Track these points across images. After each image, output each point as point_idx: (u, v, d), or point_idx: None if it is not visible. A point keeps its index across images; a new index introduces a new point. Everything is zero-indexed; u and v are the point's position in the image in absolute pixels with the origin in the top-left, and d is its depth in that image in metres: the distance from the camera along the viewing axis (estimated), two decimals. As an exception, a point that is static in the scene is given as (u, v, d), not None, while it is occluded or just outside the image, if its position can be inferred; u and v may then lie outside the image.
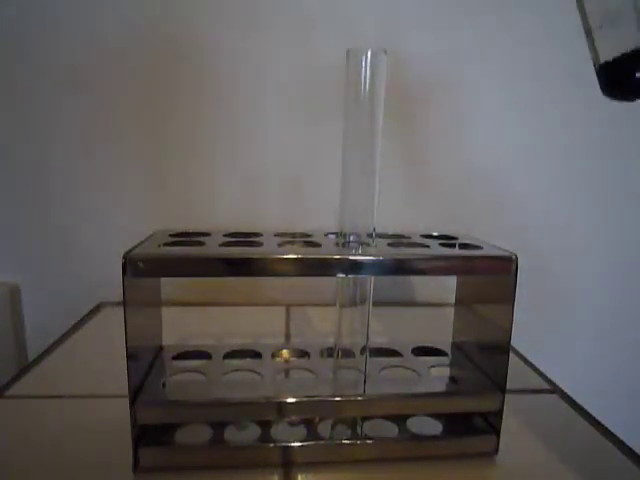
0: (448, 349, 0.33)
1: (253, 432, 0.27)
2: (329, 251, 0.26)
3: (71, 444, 0.27)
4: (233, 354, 0.32)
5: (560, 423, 0.32)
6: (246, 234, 0.30)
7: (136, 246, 0.25)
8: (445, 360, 0.32)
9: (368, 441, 0.27)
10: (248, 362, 0.31)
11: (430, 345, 0.34)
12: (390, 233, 0.31)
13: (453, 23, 0.51)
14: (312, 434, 0.27)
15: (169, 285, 0.38)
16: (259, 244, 0.27)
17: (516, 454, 0.28)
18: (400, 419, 0.28)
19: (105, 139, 0.50)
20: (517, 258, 0.26)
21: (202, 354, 0.31)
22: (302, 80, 0.50)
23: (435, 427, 0.28)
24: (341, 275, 0.27)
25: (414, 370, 0.30)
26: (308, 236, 0.30)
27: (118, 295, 0.24)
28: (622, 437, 0.30)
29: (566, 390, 0.35)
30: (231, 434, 0.27)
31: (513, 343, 0.27)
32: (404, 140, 0.53)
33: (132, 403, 0.24)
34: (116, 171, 0.50)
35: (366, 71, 0.25)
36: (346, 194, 0.27)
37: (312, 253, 0.26)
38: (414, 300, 0.55)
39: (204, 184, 0.51)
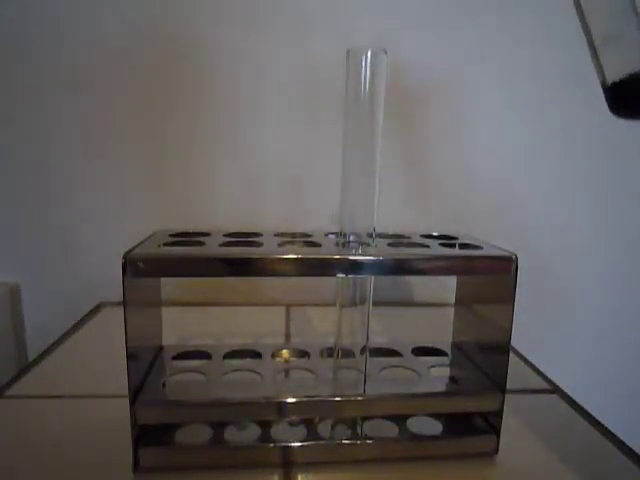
0: (448, 349, 0.33)
1: (253, 432, 0.27)
2: (329, 251, 0.26)
3: (71, 444, 0.27)
4: (233, 354, 0.32)
5: (560, 423, 0.32)
6: (246, 234, 0.30)
7: (136, 246, 0.25)
8: (445, 360, 0.32)
9: (368, 441, 0.27)
10: (248, 362, 0.31)
11: (430, 345, 0.34)
12: (390, 233, 0.31)
13: (453, 23, 0.51)
14: (312, 434, 0.27)
15: (169, 285, 0.38)
16: (259, 244, 0.27)
17: (516, 454, 0.28)
18: (400, 419, 0.28)
19: (105, 139, 0.50)
20: (517, 258, 0.26)
21: (202, 354, 0.31)
22: (302, 80, 0.50)
23: (435, 427, 0.28)
24: (341, 275, 0.27)
25: (414, 370, 0.30)
26: (308, 236, 0.30)
27: (118, 295, 0.24)
28: (622, 437, 0.30)
29: (566, 390, 0.35)
30: (231, 434, 0.27)
31: (513, 343, 0.27)
32: (404, 140, 0.53)
33: (132, 403, 0.24)
34: (116, 171, 0.50)
35: (366, 71, 0.25)
36: (346, 194, 0.27)
37: (312, 253, 0.26)
38: (414, 300, 0.55)
39: (204, 184, 0.51)
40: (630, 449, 0.29)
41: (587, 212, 0.56)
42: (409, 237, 0.31)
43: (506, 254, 0.26)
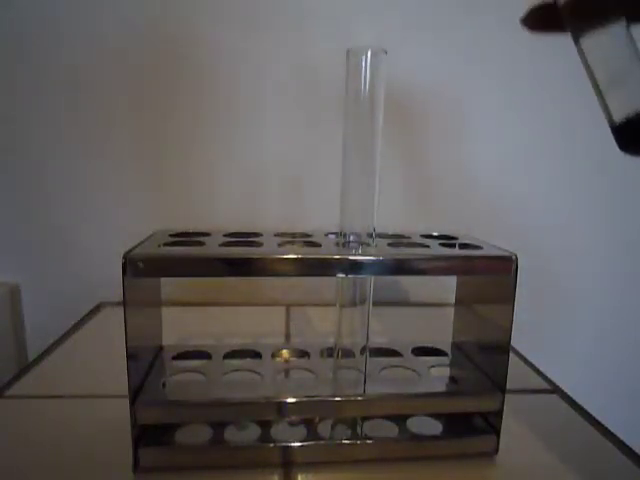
0: (448, 349, 0.33)
1: (253, 432, 0.27)
2: (329, 251, 0.26)
3: (71, 444, 0.27)
4: (233, 354, 0.32)
5: (560, 423, 0.32)
6: (246, 234, 0.30)
7: (136, 246, 0.25)
8: (445, 360, 0.32)
9: (368, 441, 0.27)
10: (248, 362, 0.31)
11: (430, 345, 0.34)
12: (390, 233, 0.31)
13: (453, 23, 0.51)
14: (312, 434, 0.27)
15: (169, 285, 0.38)
16: (259, 244, 0.27)
17: (516, 454, 0.28)
18: (400, 419, 0.28)
19: (105, 139, 0.50)
20: (517, 258, 0.26)
21: (202, 354, 0.31)
22: (302, 80, 0.50)
23: (435, 427, 0.28)
24: (341, 275, 0.27)
25: (414, 370, 0.30)
26: (308, 236, 0.30)
27: (118, 295, 0.24)
28: (622, 437, 0.30)
29: (566, 390, 0.35)
30: (231, 434, 0.27)
31: (513, 343, 0.27)
32: (404, 140, 0.53)
33: (132, 403, 0.24)
34: (116, 171, 0.50)
35: (366, 71, 0.25)
36: (346, 194, 0.27)
37: (312, 253, 0.26)
38: (414, 300, 0.55)
39: (204, 184, 0.51)
40: (630, 449, 0.29)
41: (587, 212, 0.56)
42: (409, 237, 0.31)
43: (506, 254, 0.26)
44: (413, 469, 0.26)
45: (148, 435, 0.26)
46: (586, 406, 0.33)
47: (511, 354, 0.28)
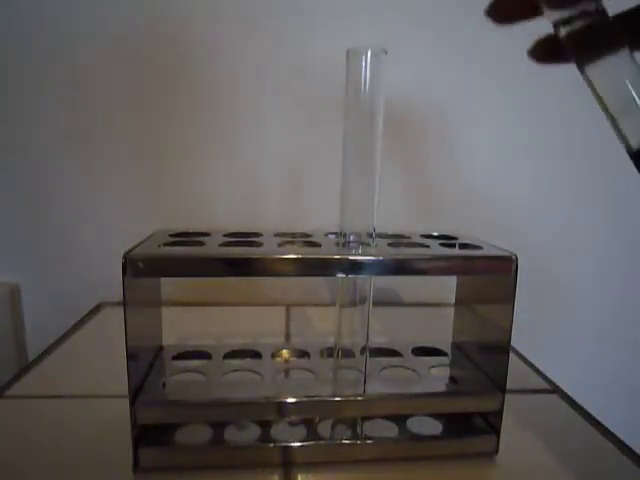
0: (448, 349, 0.33)
1: (253, 432, 0.27)
2: (329, 251, 0.26)
3: (71, 444, 0.27)
4: (233, 354, 0.32)
5: (560, 423, 0.32)
6: (246, 234, 0.30)
7: (136, 246, 0.25)
8: (445, 360, 0.32)
9: (368, 441, 0.27)
10: (248, 362, 0.31)
11: (430, 345, 0.34)
12: (390, 233, 0.31)
13: (453, 23, 0.51)
14: (312, 434, 0.27)
15: (169, 285, 0.38)
16: (259, 244, 0.27)
17: (516, 454, 0.28)
18: (400, 419, 0.28)
19: (105, 139, 0.50)
20: (517, 258, 0.26)
21: (202, 354, 0.31)
22: (302, 80, 0.50)
23: (435, 427, 0.28)
24: (341, 275, 0.27)
25: (414, 370, 0.30)
26: (308, 236, 0.30)
27: (118, 295, 0.23)
28: (622, 437, 0.30)
29: (566, 390, 0.35)
30: (231, 434, 0.27)
31: (513, 343, 0.27)
32: (403, 140, 0.53)
33: (132, 403, 0.24)
34: (116, 171, 0.50)
35: (366, 71, 0.25)
36: (346, 194, 0.27)
37: (312, 253, 0.26)
38: (414, 300, 0.55)
39: (204, 184, 0.51)
40: (630, 449, 0.29)
41: (587, 212, 0.56)
42: (409, 237, 0.31)
43: (506, 254, 0.26)
44: (413, 469, 0.26)
45: (148, 435, 0.26)
46: (586, 406, 0.33)
47: (511, 354, 0.28)
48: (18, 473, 0.25)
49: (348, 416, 0.28)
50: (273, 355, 0.32)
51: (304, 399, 0.26)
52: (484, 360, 0.30)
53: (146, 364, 0.28)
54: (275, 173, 0.52)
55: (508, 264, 0.26)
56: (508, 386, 0.27)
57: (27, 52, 0.48)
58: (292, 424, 0.28)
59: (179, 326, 0.39)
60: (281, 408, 0.26)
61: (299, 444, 0.26)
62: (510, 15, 0.19)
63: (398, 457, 0.27)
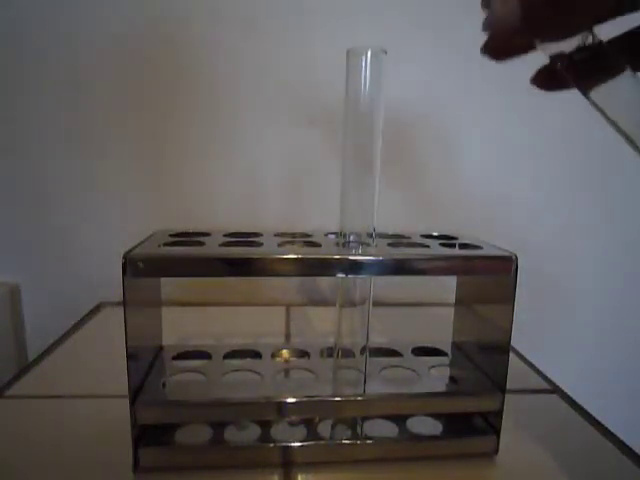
0: (448, 349, 0.33)
1: (253, 432, 0.27)
2: (329, 251, 0.26)
3: (71, 444, 0.27)
4: (233, 354, 0.32)
5: (560, 423, 0.32)
6: (246, 234, 0.30)
7: (136, 246, 0.25)
8: (445, 360, 0.32)
9: (368, 441, 0.27)
10: (248, 362, 0.31)
11: (430, 345, 0.34)
12: (390, 233, 0.31)
13: (453, 23, 0.51)
14: (312, 434, 0.27)
15: (169, 285, 0.38)
16: (259, 244, 0.27)
17: (516, 454, 0.28)
18: (400, 419, 0.28)
19: (105, 139, 0.50)
20: (517, 258, 0.26)
21: (202, 354, 0.31)
22: (302, 80, 0.50)
23: (435, 427, 0.28)
24: (341, 275, 0.27)
25: (414, 370, 0.30)
26: (308, 236, 0.30)
27: (118, 295, 0.23)
28: (622, 437, 0.30)
29: (566, 390, 0.35)
30: (231, 434, 0.27)
31: (513, 343, 0.27)
32: (403, 140, 0.53)
33: (132, 403, 0.24)
34: (116, 171, 0.50)
35: (366, 71, 0.25)
36: (346, 194, 0.27)
37: (312, 253, 0.26)
38: (414, 300, 0.55)
39: (204, 184, 0.51)
40: (630, 449, 0.29)
41: (587, 212, 0.56)
42: (409, 237, 0.31)
43: (506, 254, 0.26)
44: (413, 469, 0.26)
45: (148, 435, 0.26)
46: (586, 406, 0.33)
47: (511, 354, 0.27)
48: (18, 473, 0.25)
49: (348, 416, 0.28)
50: (273, 355, 0.32)
51: (304, 399, 0.26)
52: (484, 360, 0.30)
53: (146, 364, 0.28)
54: (275, 173, 0.52)
55: (508, 264, 0.26)
56: (508, 386, 0.27)
57: (27, 52, 0.48)
58: (292, 424, 0.28)
59: (179, 326, 0.39)
60: (281, 408, 0.26)
61: (299, 444, 0.26)
62: (505, 52, 0.20)
63: (398, 457, 0.27)
